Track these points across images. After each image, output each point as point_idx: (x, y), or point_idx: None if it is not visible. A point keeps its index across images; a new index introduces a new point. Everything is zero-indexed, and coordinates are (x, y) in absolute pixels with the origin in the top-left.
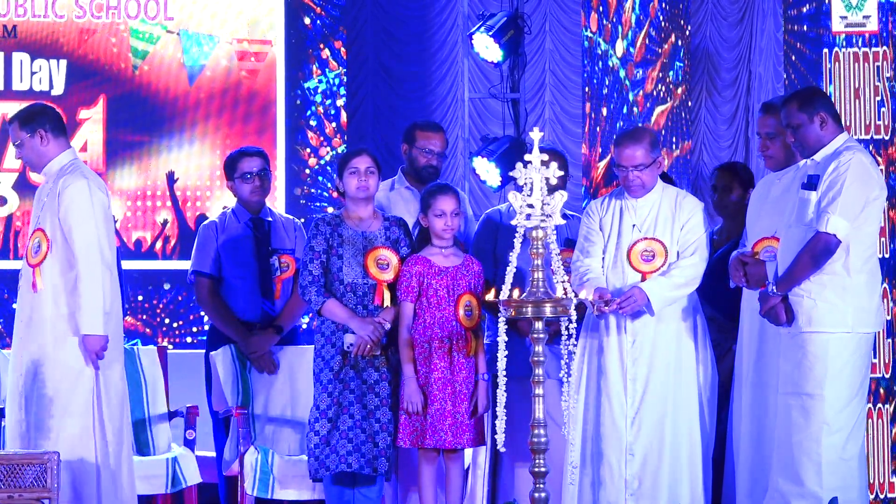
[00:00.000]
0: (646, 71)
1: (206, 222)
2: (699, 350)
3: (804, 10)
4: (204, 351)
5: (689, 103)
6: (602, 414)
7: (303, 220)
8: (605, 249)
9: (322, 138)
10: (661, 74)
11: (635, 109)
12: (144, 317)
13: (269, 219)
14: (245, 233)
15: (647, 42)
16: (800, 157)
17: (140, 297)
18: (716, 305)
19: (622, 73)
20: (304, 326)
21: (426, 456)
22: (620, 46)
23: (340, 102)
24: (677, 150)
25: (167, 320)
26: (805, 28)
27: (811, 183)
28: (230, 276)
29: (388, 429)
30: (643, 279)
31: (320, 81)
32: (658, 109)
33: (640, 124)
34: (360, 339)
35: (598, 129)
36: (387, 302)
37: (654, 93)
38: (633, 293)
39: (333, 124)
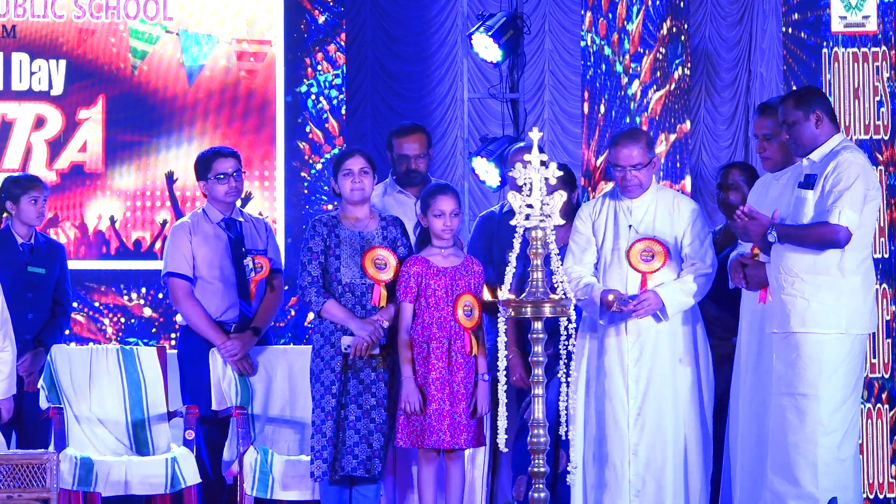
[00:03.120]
0: (644, 70)
1: (176, 223)
2: (699, 350)
3: (804, 10)
4: (176, 351)
5: (689, 103)
6: (604, 415)
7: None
8: (600, 251)
9: (321, 138)
10: (660, 75)
11: (632, 105)
12: (143, 317)
13: (241, 219)
14: (218, 234)
15: (645, 42)
16: (796, 157)
17: (140, 298)
18: (721, 305)
19: (621, 73)
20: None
21: (426, 456)
22: (619, 46)
23: (340, 102)
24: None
25: (164, 320)
26: (804, 28)
27: (808, 182)
28: (205, 277)
29: (382, 429)
30: (643, 279)
31: (319, 81)
32: (654, 96)
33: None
34: (357, 340)
35: (597, 129)
36: (383, 302)
37: (651, 81)
38: (648, 297)
39: (333, 124)
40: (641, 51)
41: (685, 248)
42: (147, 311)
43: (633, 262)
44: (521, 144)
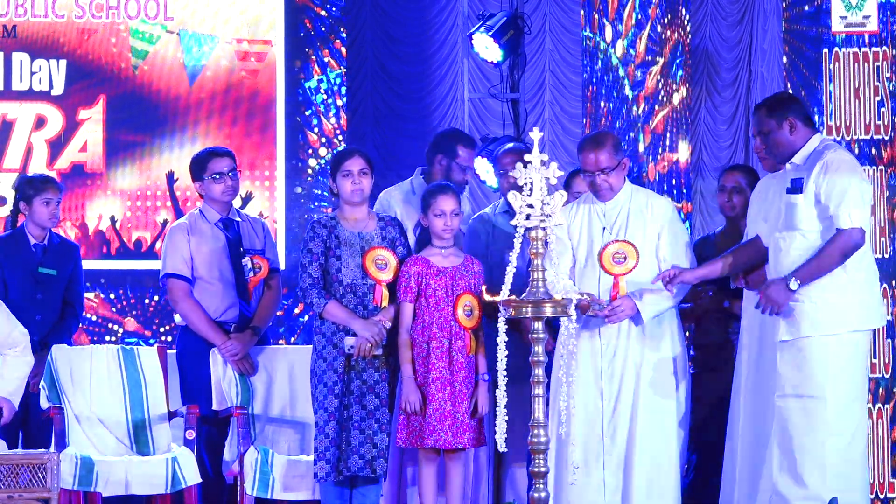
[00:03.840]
0: (645, 71)
1: (174, 224)
2: (675, 351)
3: (804, 9)
4: (175, 351)
5: (690, 103)
6: (580, 416)
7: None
8: (575, 253)
9: (322, 138)
10: (660, 74)
11: (634, 109)
12: (144, 317)
13: (238, 219)
14: (216, 234)
15: (646, 42)
16: (778, 165)
17: (141, 298)
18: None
19: (622, 73)
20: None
21: (426, 456)
22: (620, 46)
23: (340, 102)
24: (675, 154)
25: (165, 320)
26: (805, 28)
27: (795, 187)
28: (204, 277)
29: (386, 429)
30: (615, 281)
31: (320, 81)
32: (658, 116)
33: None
34: (361, 341)
35: (593, 127)
36: (385, 302)
37: (654, 93)
38: (622, 304)
39: (333, 124)
40: (642, 50)
41: (662, 248)
42: (146, 312)
43: (606, 265)
44: (510, 146)
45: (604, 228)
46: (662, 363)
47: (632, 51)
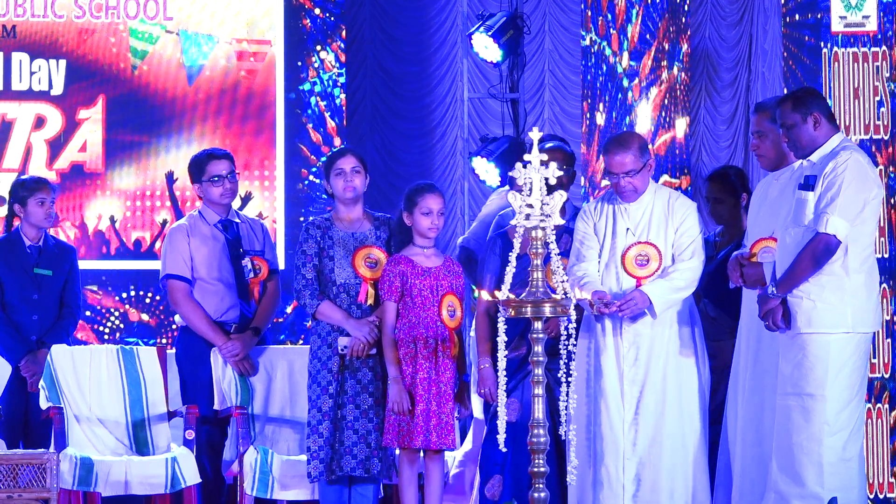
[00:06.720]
0: (644, 71)
1: (174, 226)
2: (697, 353)
3: (804, 10)
4: (174, 351)
5: (688, 101)
6: (599, 416)
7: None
8: (599, 253)
9: (321, 138)
10: (659, 75)
11: (633, 109)
12: (143, 317)
13: (237, 220)
14: (216, 235)
15: (645, 42)
16: (793, 157)
17: (140, 297)
18: (721, 307)
19: (621, 73)
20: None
21: (409, 457)
22: (619, 46)
23: (339, 102)
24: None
25: (164, 319)
26: (804, 28)
27: (808, 183)
28: (205, 278)
29: (380, 429)
30: (638, 284)
31: (319, 81)
32: (653, 93)
33: (632, 129)
34: (354, 342)
35: (597, 128)
36: (371, 300)
37: (652, 90)
38: (633, 296)
39: (332, 124)
40: (640, 49)
41: (675, 242)
42: (146, 313)
43: (629, 268)
44: (551, 145)
45: (627, 229)
46: (687, 367)
47: (630, 51)
